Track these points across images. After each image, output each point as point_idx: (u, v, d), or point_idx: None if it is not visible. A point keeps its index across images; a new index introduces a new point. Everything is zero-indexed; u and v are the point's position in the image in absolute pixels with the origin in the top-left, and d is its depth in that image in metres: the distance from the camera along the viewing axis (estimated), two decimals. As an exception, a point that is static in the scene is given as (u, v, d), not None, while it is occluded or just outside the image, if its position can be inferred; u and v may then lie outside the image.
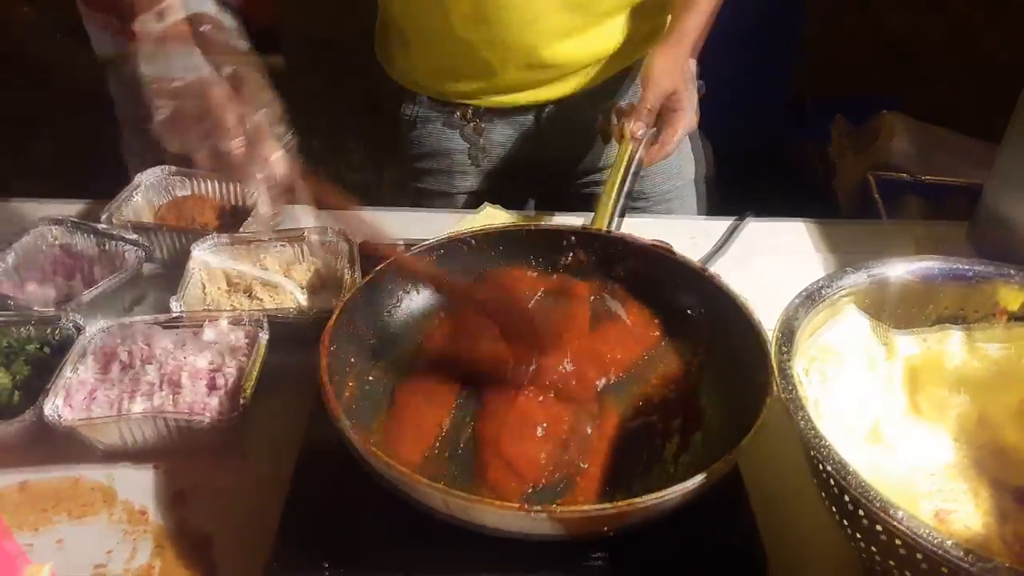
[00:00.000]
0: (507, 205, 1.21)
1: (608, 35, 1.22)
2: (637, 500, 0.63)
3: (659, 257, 0.93)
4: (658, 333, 0.91)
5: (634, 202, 1.36)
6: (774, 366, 0.70)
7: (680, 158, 1.38)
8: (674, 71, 1.10)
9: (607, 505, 0.65)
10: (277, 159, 0.78)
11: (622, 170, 1.06)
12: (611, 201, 1.01)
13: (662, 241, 0.97)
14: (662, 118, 1.12)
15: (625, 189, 1.04)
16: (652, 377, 0.86)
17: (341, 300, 0.85)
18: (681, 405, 0.83)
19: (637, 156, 1.09)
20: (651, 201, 1.38)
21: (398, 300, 0.93)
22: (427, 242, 0.93)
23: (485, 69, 1.21)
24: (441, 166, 1.36)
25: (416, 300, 0.94)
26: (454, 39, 1.18)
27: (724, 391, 0.82)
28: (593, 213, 1.02)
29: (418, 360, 0.89)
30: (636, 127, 1.08)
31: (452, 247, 0.93)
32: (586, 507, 0.67)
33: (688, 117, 1.11)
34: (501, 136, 1.33)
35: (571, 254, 0.96)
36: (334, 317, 0.81)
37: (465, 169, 1.36)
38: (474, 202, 1.32)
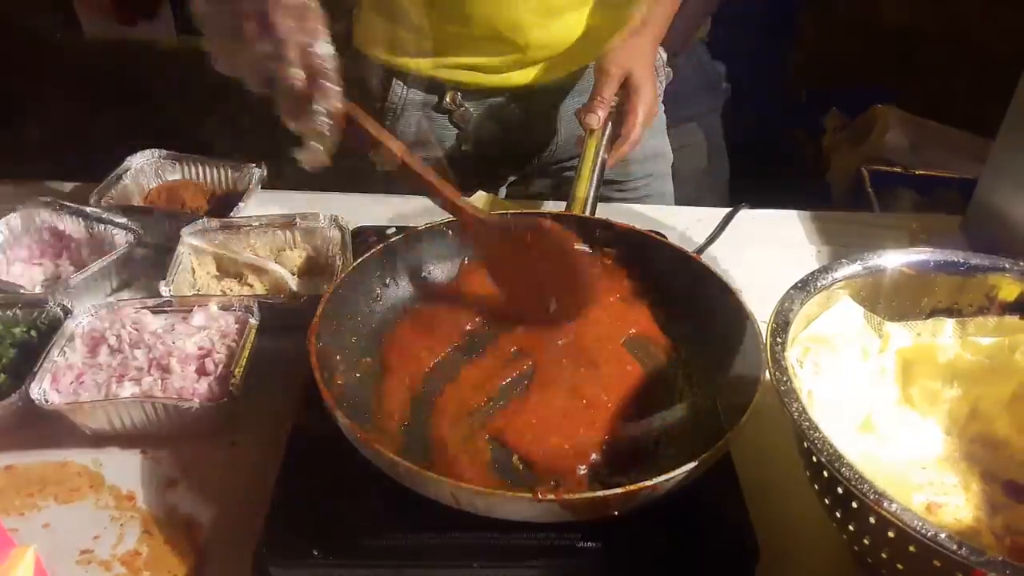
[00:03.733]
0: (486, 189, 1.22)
1: (579, 22, 1.21)
2: (631, 486, 0.63)
3: (646, 241, 0.92)
4: (645, 316, 0.90)
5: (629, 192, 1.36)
6: (768, 355, 0.70)
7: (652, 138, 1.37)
8: (628, 58, 1.09)
9: (596, 494, 0.64)
10: (334, 93, 0.75)
11: (588, 160, 1.05)
12: (584, 188, 1.00)
13: (658, 232, 0.97)
14: (622, 107, 1.10)
15: (594, 177, 1.03)
16: (641, 360, 0.86)
17: (327, 291, 0.84)
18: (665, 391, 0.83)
19: (602, 146, 1.08)
20: (626, 190, 1.37)
21: (385, 285, 0.92)
22: (426, 224, 0.92)
23: (459, 43, 1.21)
24: (427, 152, 1.35)
25: (403, 286, 0.93)
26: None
27: (713, 377, 0.82)
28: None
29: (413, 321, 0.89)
30: (589, 119, 1.07)
31: (438, 232, 0.93)
32: (578, 495, 0.67)
33: (645, 102, 1.08)
34: (481, 120, 1.32)
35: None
36: (320, 308, 0.80)
37: (451, 153, 1.35)
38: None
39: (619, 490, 0.63)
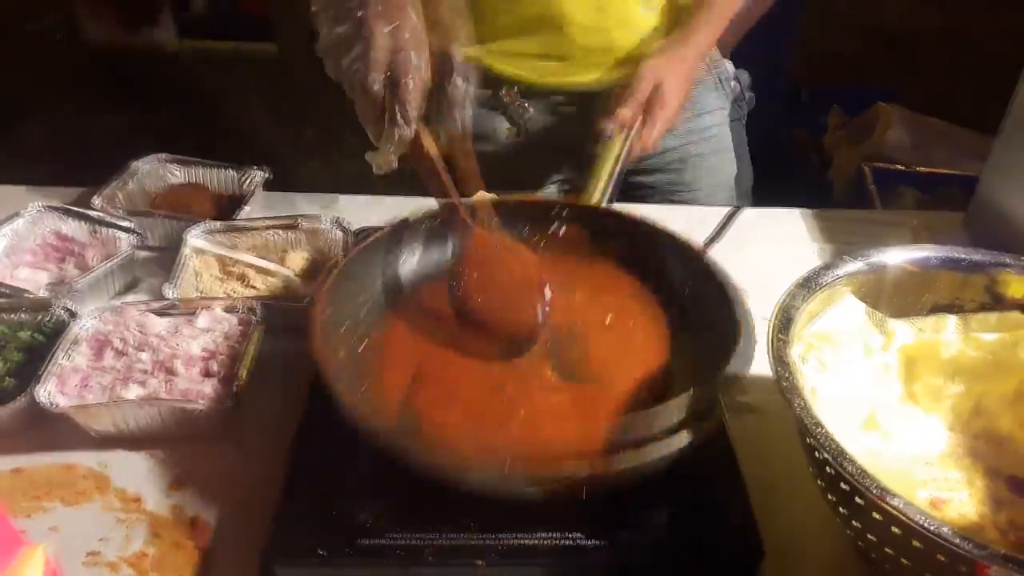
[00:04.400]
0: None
1: (626, 15, 1.22)
2: (616, 458, 0.64)
3: (648, 232, 0.92)
4: (646, 306, 0.90)
5: (671, 194, 1.37)
6: (771, 353, 0.70)
7: (719, 157, 1.39)
8: (663, 67, 1.11)
9: (583, 463, 0.66)
10: (408, 115, 0.77)
11: (614, 153, 1.06)
12: (601, 180, 1.01)
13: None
14: (648, 113, 1.12)
15: (617, 170, 1.04)
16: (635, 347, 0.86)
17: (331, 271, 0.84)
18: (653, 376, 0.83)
19: (628, 142, 1.09)
20: (685, 196, 1.38)
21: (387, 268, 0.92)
22: (426, 211, 0.92)
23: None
24: (484, 148, 1.35)
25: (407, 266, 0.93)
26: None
27: (700, 368, 0.81)
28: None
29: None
30: (620, 113, 1.09)
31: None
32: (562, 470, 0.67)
33: (667, 115, 1.11)
34: (537, 119, 1.32)
35: (562, 226, 0.95)
36: (326, 286, 0.81)
37: (502, 150, 1.35)
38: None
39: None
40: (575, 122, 1.31)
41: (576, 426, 0.76)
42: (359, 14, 0.77)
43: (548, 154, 1.36)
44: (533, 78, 1.27)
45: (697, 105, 1.33)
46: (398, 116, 0.77)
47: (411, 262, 0.93)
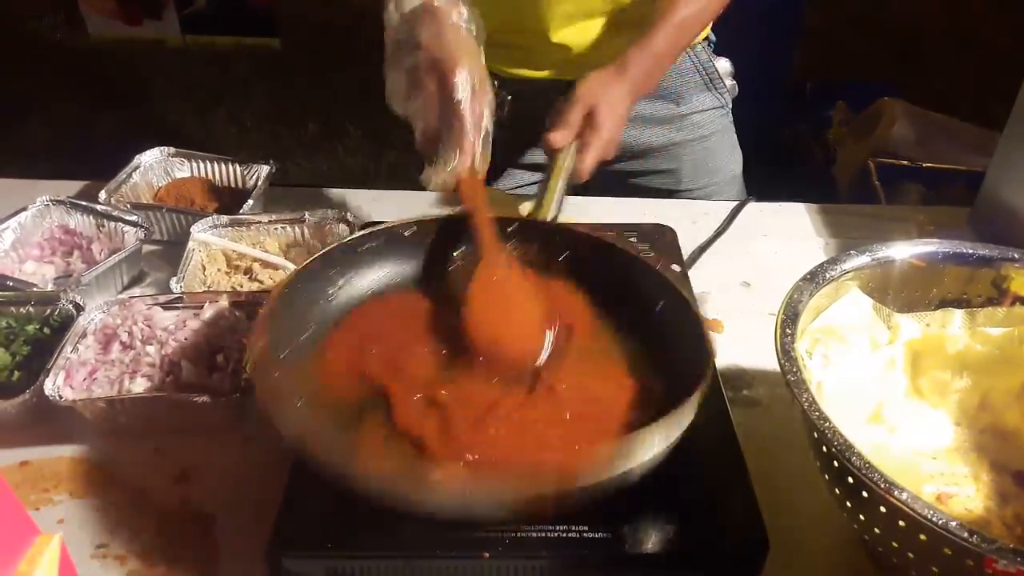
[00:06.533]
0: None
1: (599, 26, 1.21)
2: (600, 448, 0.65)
3: (602, 247, 0.89)
4: (595, 322, 0.86)
5: (672, 195, 1.36)
6: (778, 347, 0.70)
7: (718, 154, 1.38)
8: (596, 93, 1.04)
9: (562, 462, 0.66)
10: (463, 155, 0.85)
11: (561, 168, 1.01)
12: (552, 194, 0.98)
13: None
14: (581, 139, 1.05)
15: (562, 185, 1.01)
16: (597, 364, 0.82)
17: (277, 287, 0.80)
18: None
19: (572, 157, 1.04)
20: (693, 194, 1.37)
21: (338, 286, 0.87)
22: (367, 228, 0.90)
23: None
24: None
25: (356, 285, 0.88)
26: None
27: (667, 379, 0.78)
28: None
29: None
30: (551, 138, 1.02)
31: (392, 235, 0.89)
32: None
33: (600, 143, 1.02)
34: (515, 108, 1.31)
35: (514, 243, 0.91)
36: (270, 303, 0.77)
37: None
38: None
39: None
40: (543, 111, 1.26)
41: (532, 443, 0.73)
42: (412, 66, 0.87)
43: (525, 145, 1.35)
44: (505, 69, 1.26)
45: (688, 104, 1.32)
46: (455, 156, 0.85)
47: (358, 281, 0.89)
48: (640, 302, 0.83)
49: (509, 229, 0.90)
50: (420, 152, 0.89)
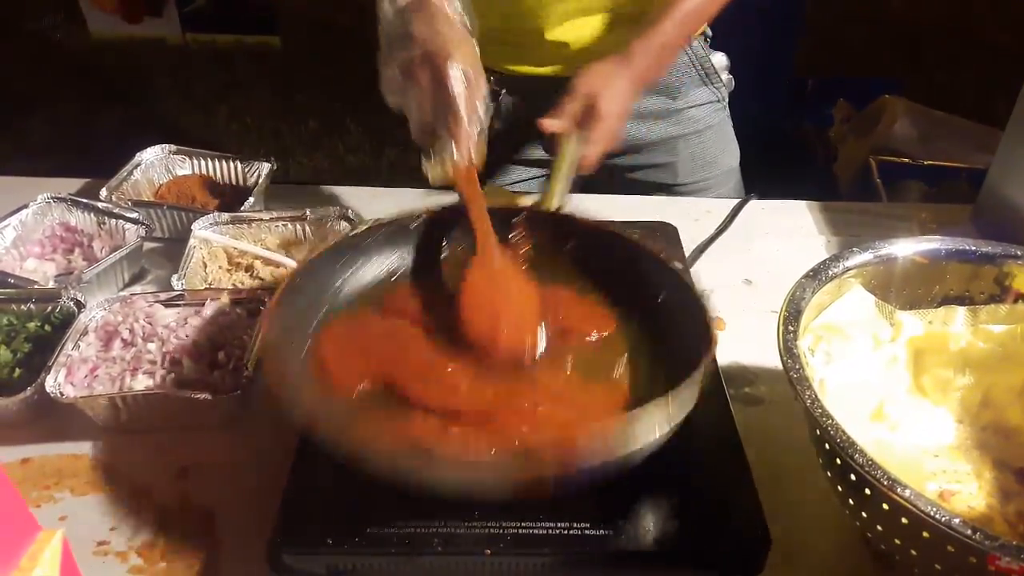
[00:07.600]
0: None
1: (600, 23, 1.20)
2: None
3: (605, 234, 0.89)
4: (606, 315, 0.86)
5: (669, 189, 1.36)
6: (781, 344, 0.70)
7: (715, 148, 1.37)
8: (597, 83, 1.04)
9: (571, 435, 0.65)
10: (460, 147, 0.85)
11: (566, 158, 1.01)
12: (558, 184, 0.98)
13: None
14: (584, 130, 1.05)
15: (569, 176, 1.00)
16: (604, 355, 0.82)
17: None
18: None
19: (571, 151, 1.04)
20: (689, 188, 1.37)
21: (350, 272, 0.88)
22: (375, 221, 0.89)
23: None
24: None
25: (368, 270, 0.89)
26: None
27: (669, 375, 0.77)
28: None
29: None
30: (545, 121, 1.03)
31: (398, 227, 0.90)
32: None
33: (603, 135, 1.02)
34: (514, 105, 1.31)
35: (520, 232, 0.92)
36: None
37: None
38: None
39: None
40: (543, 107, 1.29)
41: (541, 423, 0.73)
42: (406, 59, 0.86)
43: (524, 141, 1.34)
44: (502, 66, 1.26)
45: (684, 99, 1.32)
46: (451, 149, 0.85)
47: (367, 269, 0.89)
48: (643, 288, 0.84)
49: (514, 219, 0.91)
50: (416, 144, 0.89)
